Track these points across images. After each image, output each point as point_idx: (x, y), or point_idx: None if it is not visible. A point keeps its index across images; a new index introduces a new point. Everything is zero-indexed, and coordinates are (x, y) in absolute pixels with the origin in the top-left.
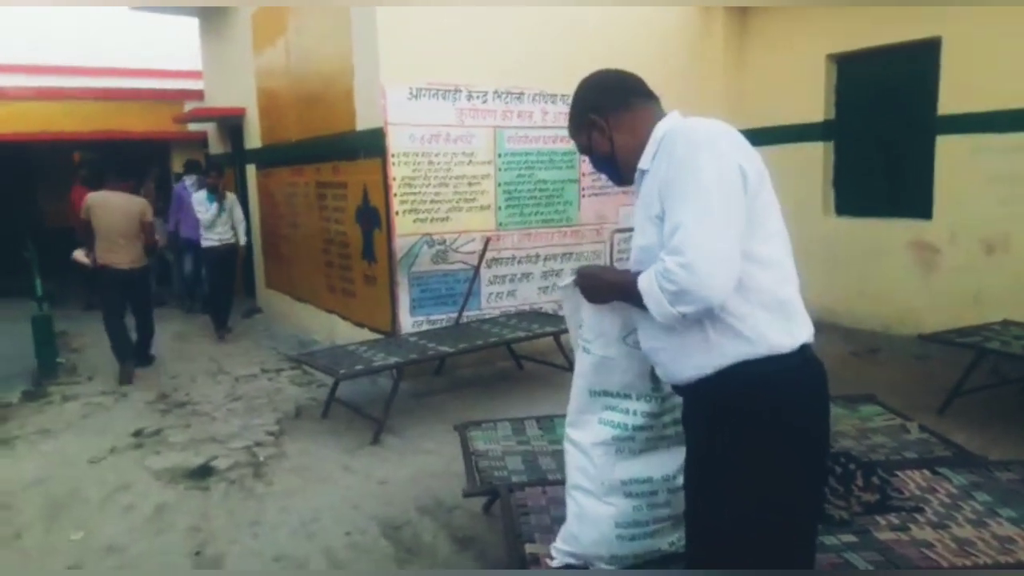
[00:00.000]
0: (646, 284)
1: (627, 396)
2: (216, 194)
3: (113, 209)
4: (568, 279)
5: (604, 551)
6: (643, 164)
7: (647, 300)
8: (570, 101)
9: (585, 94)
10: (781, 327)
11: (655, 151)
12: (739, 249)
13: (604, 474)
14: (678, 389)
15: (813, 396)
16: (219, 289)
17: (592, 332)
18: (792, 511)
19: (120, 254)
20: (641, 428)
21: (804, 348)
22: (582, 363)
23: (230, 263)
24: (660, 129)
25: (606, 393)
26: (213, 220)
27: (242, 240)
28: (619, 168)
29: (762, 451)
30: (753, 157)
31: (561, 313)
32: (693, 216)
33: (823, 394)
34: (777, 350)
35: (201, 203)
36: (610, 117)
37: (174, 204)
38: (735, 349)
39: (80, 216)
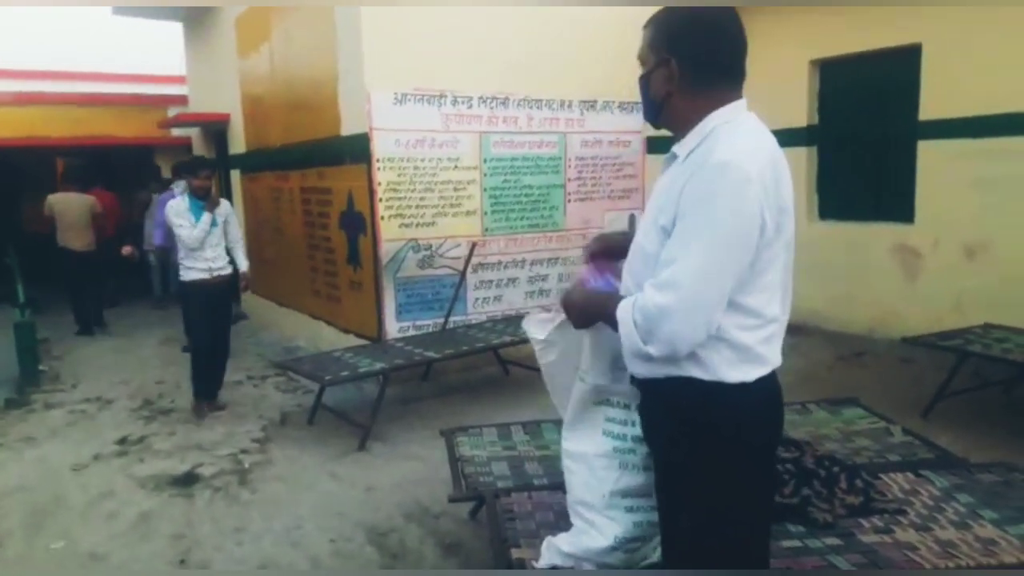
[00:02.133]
0: (622, 314)
1: (627, 407)
2: (206, 203)
3: (70, 205)
4: (541, 330)
5: (604, 560)
6: (679, 151)
7: (621, 330)
8: (669, 15)
9: (686, 29)
10: (737, 367)
11: (696, 144)
12: (723, 303)
13: (606, 487)
14: (632, 379)
15: (759, 412)
16: (203, 339)
17: (587, 362)
18: (742, 523)
19: (76, 240)
20: (641, 440)
21: (758, 379)
22: (579, 390)
23: (225, 304)
24: (712, 121)
25: (607, 403)
26: (201, 241)
27: (243, 266)
28: (659, 116)
29: (709, 460)
30: (782, 202)
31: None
32: (692, 261)
33: (772, 411)
34: (725, 380)
35: (181, 215)
36: (688, 75)
37: (158, 217)
38: (687, 367)
39: (45, 212)
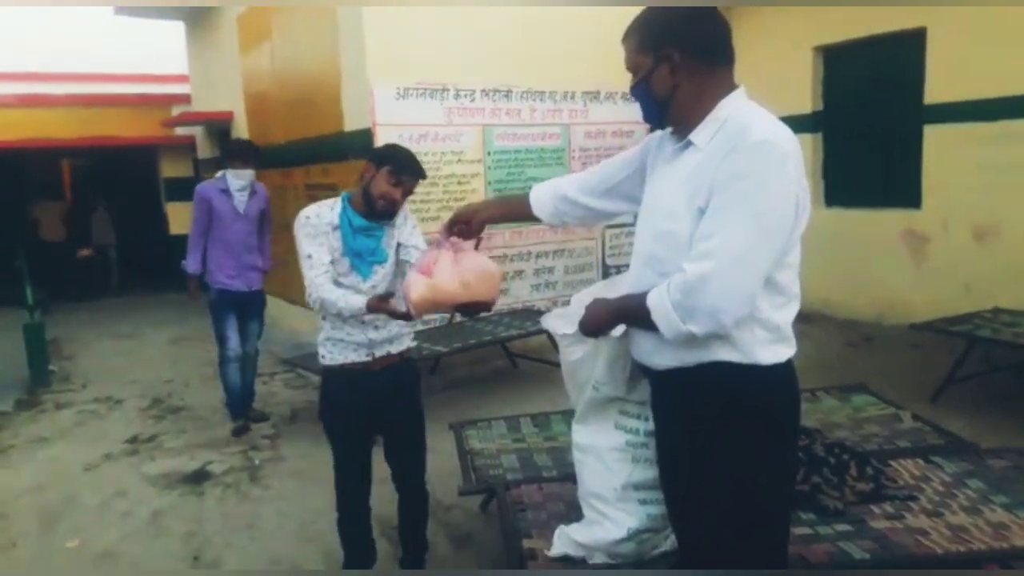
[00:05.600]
0: (656, 299)
1: (642, 403)
2: (384, 226)
3: (48, 210)
4: (567, 327)
5: (617, 550)
6: (696, 138)
7: (656, 316)
8: (651, 14)
9: (676, 20)
10: (770, 346)
11: (714, 132)
12: (763, 278)
13: (619, 480)
14: (647, 372)
15: (790, 394)
16: (351, 486)
17: (603, 376)
18: (770, 506)
19: (54, 234)
20: (654, 434)
21: (786, 361)
22: (591, 395)
23: (405, 419)
24: (724, 109)
25: (623, 399)
26: (326, 299)
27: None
28: (664, 116)
29: (743, 444)
30: (805, 182)
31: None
32: (734, 232)
33: (798, 393)
34: (760, 362)
35: (320, 237)
36: (688, 63)
37: (197, 222)
38: (721, 352)
39: (32, 216)
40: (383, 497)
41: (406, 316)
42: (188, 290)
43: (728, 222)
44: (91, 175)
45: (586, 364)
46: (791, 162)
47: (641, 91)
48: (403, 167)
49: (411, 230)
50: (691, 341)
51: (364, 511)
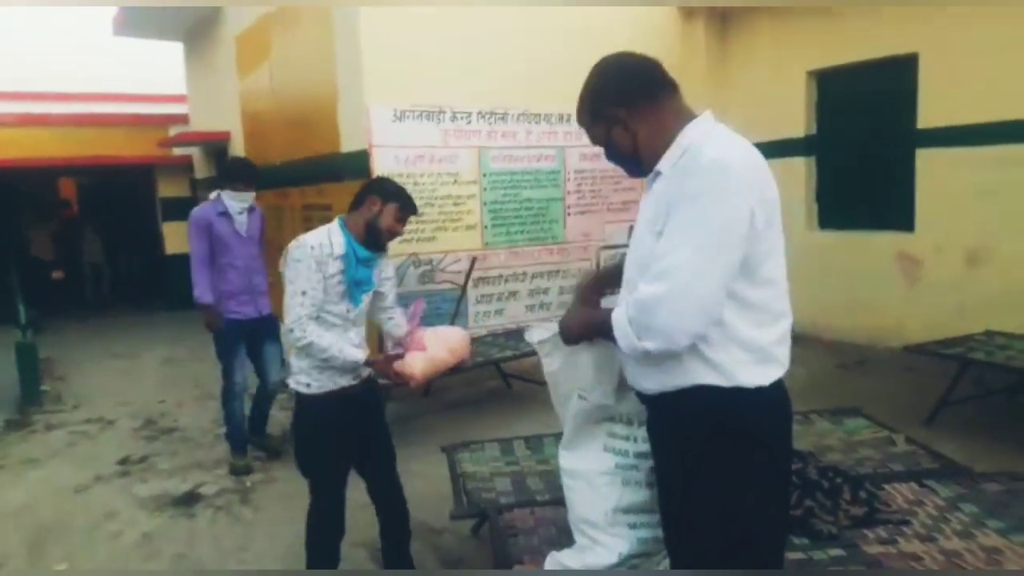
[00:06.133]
0: (617, 316)
1: (630, 423)
2: (380, 256)
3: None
4: (544, 334)
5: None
6: (662, 167)
7: (616, 332)
8: (587, 88)
9: (607, 83)
10: (752, 367)
11: (678, 158)
12: (718, 295)
13: (609, 504)
14: (640, 396)
15: (777, 416)
16: (335, 503)
17: (590, 382)
18: (762, 530)
19: (43, 252)
20: (643, 456)
21: (774, 383)
22: (579, 408)
23: (376, 430)
24: (687, 136)
25: (611, 420)
26: (305, 334)
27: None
28: (641, 164)
29: (731, 469)
30: (768, 196)
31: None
32: (683, 251)
33: (787, 415)
34: (743, 384)
35: (317, 270)
36: (635, 112)
37: (198, 249)
38: (701, 375)
39: (28, 232)
40: (366, 521)
41: (406, 382)
42: (207, 323)
43: (678, 243)
44: (89, 194)
45: (567, 374)
46: (742, 179)
47: (613, 154)
48: (410, 207)
49: (387, 262)
50: (667, 363)
51: (342, 533)
